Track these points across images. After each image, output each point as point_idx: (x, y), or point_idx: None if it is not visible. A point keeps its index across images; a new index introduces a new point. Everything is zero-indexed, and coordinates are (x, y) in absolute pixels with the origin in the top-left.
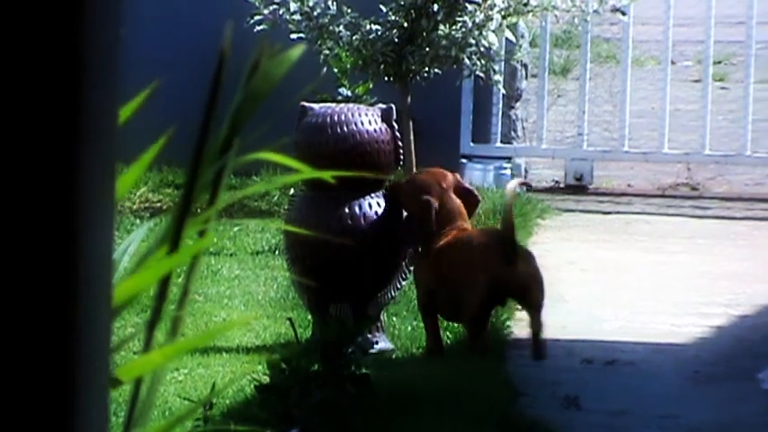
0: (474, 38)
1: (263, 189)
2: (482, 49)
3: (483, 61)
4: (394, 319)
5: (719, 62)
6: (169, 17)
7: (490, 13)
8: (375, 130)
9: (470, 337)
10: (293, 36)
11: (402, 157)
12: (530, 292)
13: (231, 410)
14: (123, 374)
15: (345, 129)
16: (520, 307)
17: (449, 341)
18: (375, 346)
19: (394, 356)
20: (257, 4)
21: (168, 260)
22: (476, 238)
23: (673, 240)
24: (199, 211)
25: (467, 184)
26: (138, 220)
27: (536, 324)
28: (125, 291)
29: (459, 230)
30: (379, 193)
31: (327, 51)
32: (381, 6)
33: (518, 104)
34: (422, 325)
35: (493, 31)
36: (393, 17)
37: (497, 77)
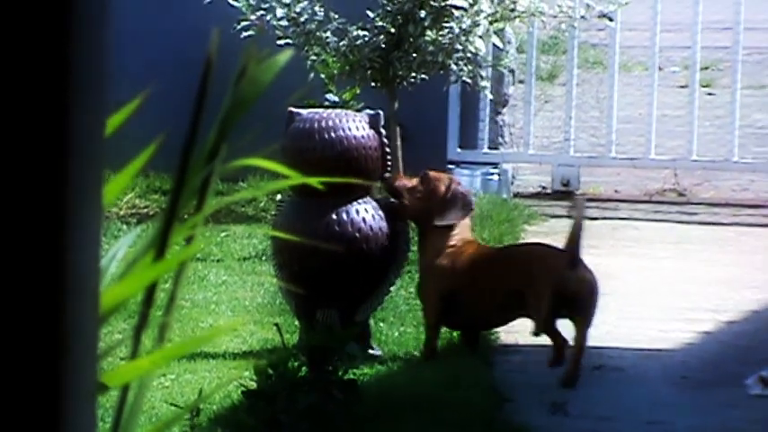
0: (461, 43)
1: (250, 195)
2: (469, 54)
3: (470, 67)
4: (381, 324)
5: (706, 68)
6: (156, 23)
7: (477, 18)
8: (362, 136)
9: (552, 340)
10: (280, 42)
11: (389, 162)
12: (585, 299)
13: (218, 416)
14: (111, 380)
15: (333, 135)
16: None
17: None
18: (371, 351)
19: (381, 362)
20: (244, 9)
21: (155, 267)
22: (534, 247)
23: (660, 246)
24: (186, 216)
25: None
26: (125, 226)
27: (581, 338)
28: (112, 298)
29: (471, 242)
30: (367, 199)
31: (314, 57)
32: (368, 12)
33: (505, 110)
34: (409, 330)
35: (480, 37)
36: (380, 23)
37: (484, 83)
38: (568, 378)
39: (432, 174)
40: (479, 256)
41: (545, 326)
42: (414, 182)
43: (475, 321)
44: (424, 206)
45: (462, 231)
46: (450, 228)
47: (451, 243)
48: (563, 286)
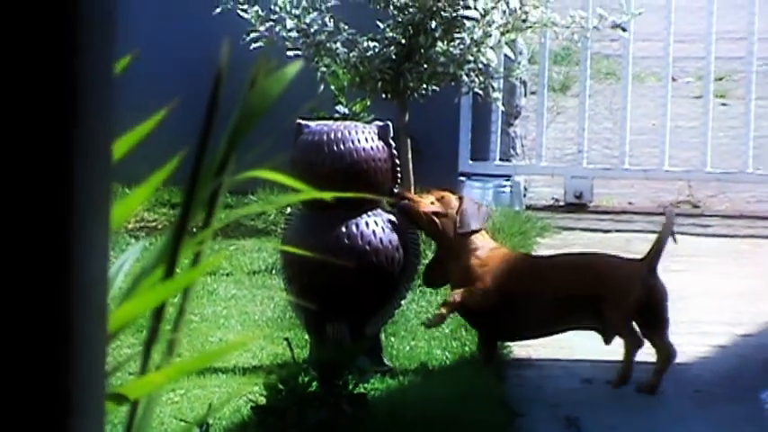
0: (472, 54)
1: (259, 209)
2: (480, 65)
3: (481, 78)
4: (392, 339)
5: (720, 78)
6: (164, 34)
7: (489, 29)
8: (372, 148)
9: (630, 342)
10: (290, 53)
11: (400, 175)
12: (664, 304)
13: None
14: (127, 393)
15: (342, 147)
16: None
17: (447, 360)
18: (386, 365)
19: (392, 376)
20: (253, 21)
21: (164, 287)
22: (601, 255)
23: (674, 258)
24: (195, 230)
25: None
26: (133, 240)
27: (668, 344)
28: (121, 317)
29: (505, 249)
30: (377, 212)
31: (324, 68)
32: (379, 23)
33: (517, 122)
34: (420, 344)
35: (491, 48)
36: (391, 34)
37: (496, 94)
38: (654, 384)
39: (435, 190)
40: (533, 262)
41: (626, 334)
42: (422, 195)
43: (523, 329)
44: (441, 213)
45: (487, 238)
46: (476, 235)
47: (492, 246)
48: (648, 295)
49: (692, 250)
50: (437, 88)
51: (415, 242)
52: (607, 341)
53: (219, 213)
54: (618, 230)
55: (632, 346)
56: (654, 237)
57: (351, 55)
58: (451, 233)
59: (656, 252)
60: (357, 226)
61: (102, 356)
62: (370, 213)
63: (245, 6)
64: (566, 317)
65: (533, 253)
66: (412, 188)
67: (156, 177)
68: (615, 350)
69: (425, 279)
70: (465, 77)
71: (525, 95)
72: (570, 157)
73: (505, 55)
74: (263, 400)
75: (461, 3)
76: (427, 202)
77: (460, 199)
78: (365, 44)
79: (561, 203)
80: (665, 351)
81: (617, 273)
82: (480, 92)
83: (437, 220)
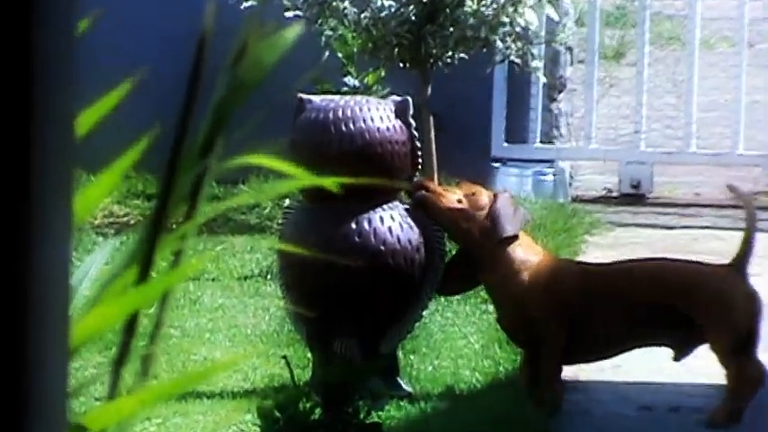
0: (508, 15)
1: (253, 200)
2: (518, 29)
3: (519, 44)
4: (411, 357)
5: None
6: None
7: None
8: (388, 128)
9: (736, 372)
10: (288, 14)
11: (420, 160)
12: (759, 318)
13: None
14: (90, 423)
15: (352, 126)
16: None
17: (476, 382)
18: (404, 388)
19: (411, 402)
20: None
21: (137, 294)
22: (689, 262)
23: (750, 260)
24: (174, 226)
25: None
26: (100, 238)
27: (761, 368)
28: (86, 328)
29: (552, 256)
30: (395, 204)
31: (330, 32)
32: None
33: (561, 96)
34: (444, 364)
35: (531, 8)
36: None
37: (536, 63)
38: (739, 409)
39: (466, 183)
40: (595, 272)
41: (731, 363)
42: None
43: (583, 351)
44: (468, 213)
45: (531, 245)
46: (516, 243)
47: (540, 258)
48: (746, 308)
49: None
50: (465, 56)
51: (439, 241)
52: (678, 357)
53: (204, 206)
54: (683, 227)
55: (741, 377)
56: (722, 234)
57: (362, 16)
58: (478, 239)
59: (745, 252)
60: (370, 221)
61: (62, 377)
62: (385, 206)
63: None
64: (636, 335)
65: (581, 257)
66: (435, 176)
67: (125, 161)
68: (678, 371)
69: (439, 284)
70: (499, 43)
71: (572, 64)
72: (625, 138)
73: (548, 16)
74: (256, 430)
75: None
76: (453, 198)
77: (495, 198)
78: (379, 3)
79: (615, 194)
80: (756, 372)
81: (710, 285)
82: (517, 60)
83: (461, 223)
